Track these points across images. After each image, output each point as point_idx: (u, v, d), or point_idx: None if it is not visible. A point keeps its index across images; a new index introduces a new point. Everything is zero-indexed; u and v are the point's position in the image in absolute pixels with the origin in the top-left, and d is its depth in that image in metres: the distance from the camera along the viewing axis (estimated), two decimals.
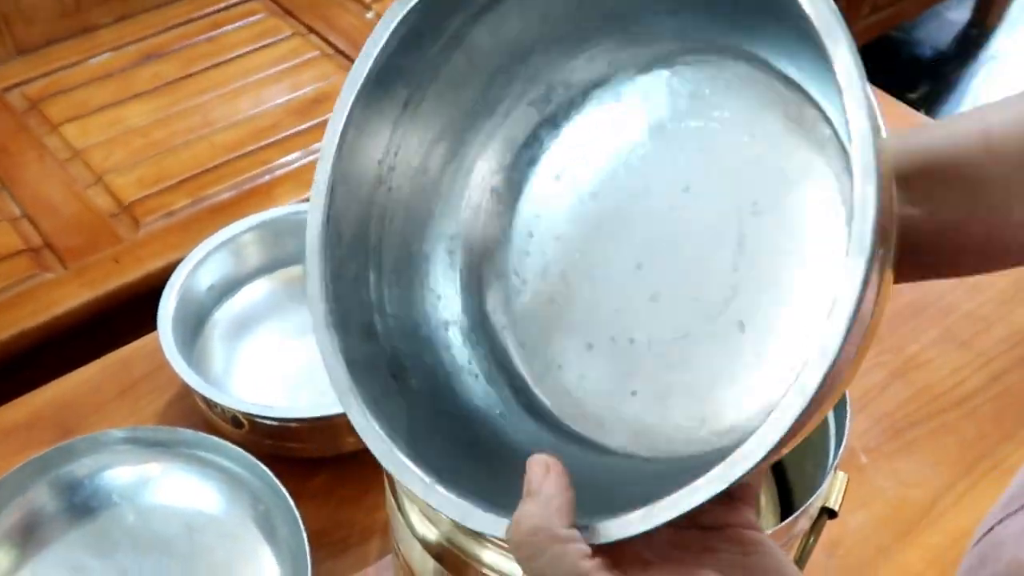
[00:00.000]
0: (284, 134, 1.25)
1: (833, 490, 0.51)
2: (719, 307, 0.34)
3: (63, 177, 1.19)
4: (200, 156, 1.22)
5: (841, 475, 0.52)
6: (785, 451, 0.30)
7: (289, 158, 1.21)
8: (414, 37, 0.36)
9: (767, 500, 0.57)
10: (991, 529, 0.35)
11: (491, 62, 0.38)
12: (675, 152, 0.37)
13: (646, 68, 0.38)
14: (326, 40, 1.38)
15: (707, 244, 0.35)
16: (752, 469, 0.27)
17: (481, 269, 0.40)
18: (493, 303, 0.39)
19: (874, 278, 0.26)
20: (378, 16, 1.40)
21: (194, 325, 0.76)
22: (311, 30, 1.40)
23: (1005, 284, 0.83)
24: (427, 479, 0.32)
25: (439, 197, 0.39)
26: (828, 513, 0.51)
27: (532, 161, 0.40)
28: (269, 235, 0.79)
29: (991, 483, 0.70)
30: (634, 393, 0.36)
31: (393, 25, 0.35)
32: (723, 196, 0.35)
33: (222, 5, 1.43)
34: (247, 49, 1.37)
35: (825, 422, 0.53)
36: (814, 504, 0.49)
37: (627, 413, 0.35)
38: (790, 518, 0.48)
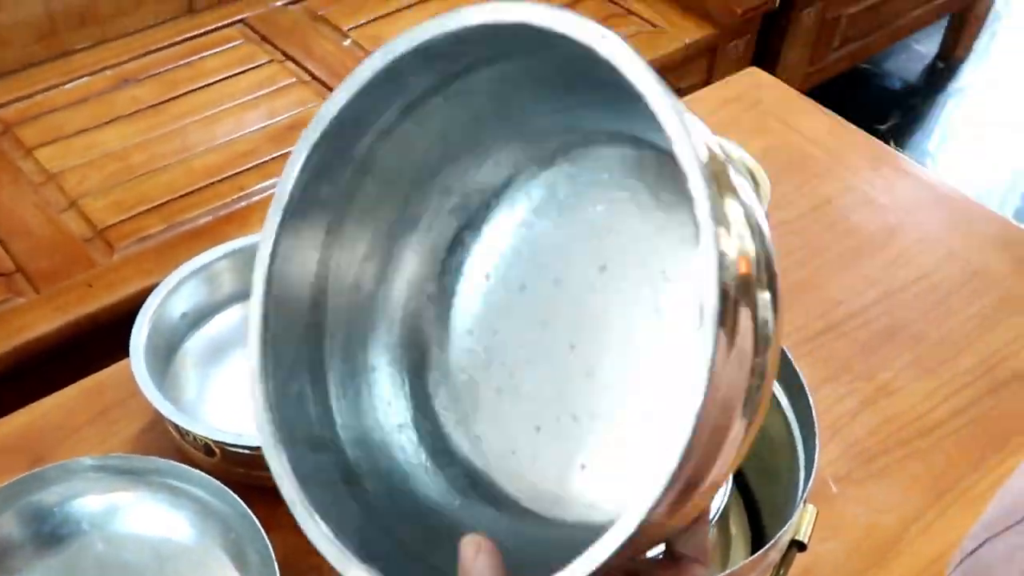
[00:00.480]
0: (261, 160, 1.25)
1: (803, 523, 0.51)
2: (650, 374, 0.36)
3: (36, 201, 1.18)
4: (177, 181, 1.21)
5: (811, 508, 0.52)
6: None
7: (266, 184, 1.22)
8: (323, 168, 0.37)
9: (738, 531, 0.58)
10: (974, 551, 0.35)
11: (403, 182, 0.40)
12: (586, 236, 0.39)
13: (547, 163, 0.41)
14: (303, 67, 1.39)
15: (629, 316, 0.38)
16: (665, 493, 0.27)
17: (426, 371, 0.41)
18: (442, 401, 0.41)
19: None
20: (355, 44, 1.41)
21: (166, 352, 0.76)
22: (288, 57, 1.41)
23: (974, 311, 0.84)
24: None
25: (376, 310, 0.41)
26: (798, 546, 0.51)
27: (460, 265, 0.42)
28: (243, 263, 0.79)
29: (960, 509, 0.71)
30: (583, 466, 0.38)
31: (301, 160, 0.37)
32: (634, 269, 0.38)
33: (199, 31, 1.44)
34: (224, 75, 1.37)
35: (794, 456, 0.54)
36: (783, 537, 0.50)
37: (580, 486, 0.37)
38: (758, 552, 0.49)
